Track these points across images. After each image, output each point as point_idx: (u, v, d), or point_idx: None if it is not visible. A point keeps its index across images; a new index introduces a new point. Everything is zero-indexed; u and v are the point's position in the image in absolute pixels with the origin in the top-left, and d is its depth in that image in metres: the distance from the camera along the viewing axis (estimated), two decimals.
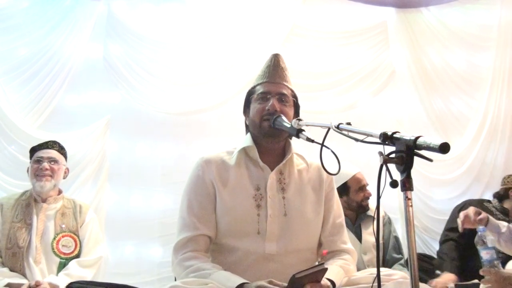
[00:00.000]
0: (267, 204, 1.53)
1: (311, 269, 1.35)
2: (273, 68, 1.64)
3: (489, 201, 3.18)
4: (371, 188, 2.65)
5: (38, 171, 2.36)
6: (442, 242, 3.06)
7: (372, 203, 2.66)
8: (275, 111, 1.54)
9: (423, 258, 2.69)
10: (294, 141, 1.65)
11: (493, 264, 1.84)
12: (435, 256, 3.17)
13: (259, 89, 1.61)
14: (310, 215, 1.57)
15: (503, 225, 2.07)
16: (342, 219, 1.67)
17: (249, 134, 1.64)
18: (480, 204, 3.12)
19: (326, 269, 1.38)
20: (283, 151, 1.63)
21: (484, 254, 1.87)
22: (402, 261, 2.57)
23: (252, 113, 1.60)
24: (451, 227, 3.01)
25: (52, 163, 2.40)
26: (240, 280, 1.36)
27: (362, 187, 2.62)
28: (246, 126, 1.69)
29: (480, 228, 1.93)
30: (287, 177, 1.59)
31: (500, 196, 3.16)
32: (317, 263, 1.59)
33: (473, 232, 2.02)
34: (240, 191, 1.55)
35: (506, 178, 3.21)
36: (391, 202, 3.42)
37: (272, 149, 1.61)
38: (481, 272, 1.84)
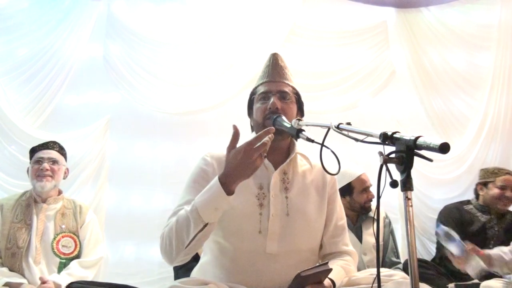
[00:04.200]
0: (270, 203, 1.52)
1: (316, 268, 1.36)
2: (272, 67, 1.66)
3: (468, 201, 3.08)
4: (372, 189, 2.66)
5: (38, 172, 2.36)
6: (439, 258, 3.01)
7: (372, 203, 2.66)
8: (276, 108, 1.54)
9: (420, 264, 2.62)
10: (298, 140, 1.65)
11: (465, 254, 1.81)
12: (432, 260, 3.14)
13: (260, 89, 1.63)
14: (313, 216, 1.57)
15: (504, 252, 2.05)
16: (344, 221, 1.67)
17: (254, 132, 1.65)
18: (458, 208, 3.03)
19: (330, 270, 1.39)
20: (288, 150, 1.63)
21: (453, 248, 1.82)
22: (400, 266, 2.56)
23: (255, 114, 1.62)
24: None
25: (52, 163, 2.40)
26: (216, 179, 1.35)
27: (366, 189, 2.62)
28: (252, 127, 1.70)
29: (438, 228, 1.89)
30: (291, 177, 1.59)
31: (476, 193, 3.07)
32: (319, 263, 1.60)
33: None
34: (243, 189, 1.53)
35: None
36: (391, 202, 3.42)
37: (276, 148, 1.61)
38: (455, 263, 1.79)
